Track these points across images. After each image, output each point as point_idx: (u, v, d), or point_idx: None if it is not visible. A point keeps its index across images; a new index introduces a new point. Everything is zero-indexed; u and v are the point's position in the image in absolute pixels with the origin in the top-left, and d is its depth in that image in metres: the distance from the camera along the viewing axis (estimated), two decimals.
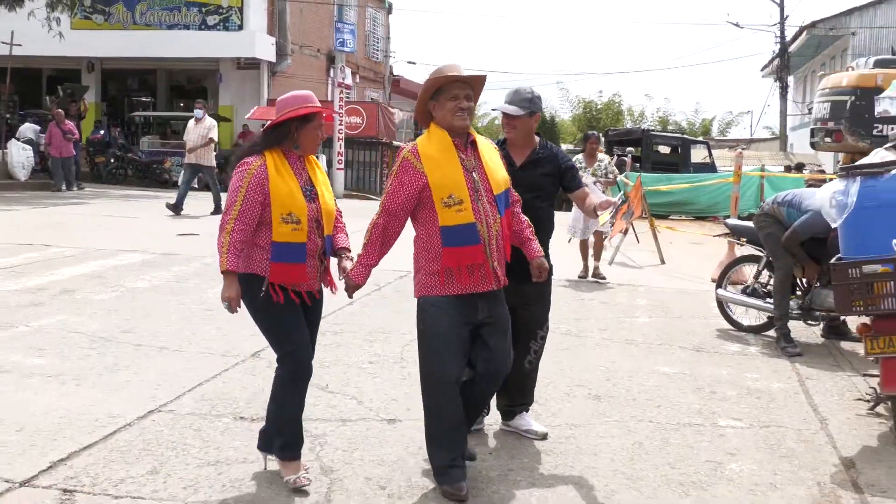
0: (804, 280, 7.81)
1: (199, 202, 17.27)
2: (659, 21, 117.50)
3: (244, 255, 4.13)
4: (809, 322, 7.93)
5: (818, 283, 7.67)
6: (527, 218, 4.59)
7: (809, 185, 12.86)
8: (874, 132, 13.32)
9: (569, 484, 4.52)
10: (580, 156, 11.27)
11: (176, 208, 16.30)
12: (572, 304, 9.40)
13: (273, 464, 4.44)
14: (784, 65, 35.22)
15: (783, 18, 34.14)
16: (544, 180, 5.08)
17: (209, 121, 16.73)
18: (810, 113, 34.69)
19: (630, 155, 22.24)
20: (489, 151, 4.32)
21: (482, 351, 4.27)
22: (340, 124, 25.68)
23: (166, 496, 4.18)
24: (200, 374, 6.09)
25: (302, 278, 4.17)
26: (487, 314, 4.24)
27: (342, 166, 25.93)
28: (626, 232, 12.79)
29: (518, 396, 5.22)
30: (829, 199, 5.37)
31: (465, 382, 4.33)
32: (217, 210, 16.18)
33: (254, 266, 4.15)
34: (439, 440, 4.28)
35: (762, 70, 44.26)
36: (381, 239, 4.26)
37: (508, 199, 4.33)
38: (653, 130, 30.70)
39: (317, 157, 4.46)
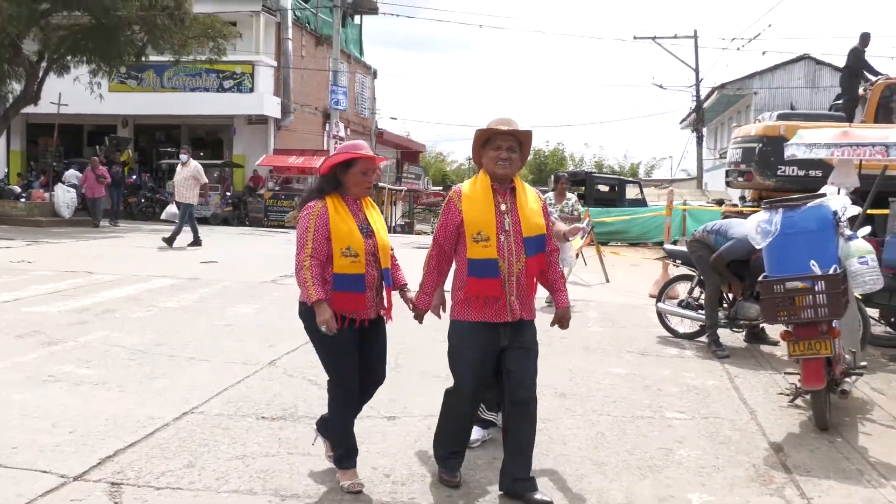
0: (730, 294, 7.77)
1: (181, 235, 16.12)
2: (597, 83, 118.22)
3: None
4: (734, 329, 7.91)
5: (741, 297, 7.65)
6: (563, 270, 4.34)
7: (726, 216, 12.92)
8: (778, 173, 13.44)
9: (545, 469, 4.41)
10: (550, 194, 10.89)
11: (195, 243, 15.73)
12: (539, 317, 9.27)
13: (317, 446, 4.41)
14: (699, 118, 35.49)
15: (698, 81, 34.44)
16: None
17: (193, 164, 16.02)
18: (722, 158, 35.04)
19: (577, 194, 22.30)
20: (529, 199, 4.07)
21: (506, 377, 4.03)
22: None
23: (201, 486, 4.03)
24: (225, 381, 5.92)
25: (360, 306, 3.96)
26: (510, 341, 3.99)
27: None
28: (577, 255, 12.73)
29: None
30: (755, 227, 5.32)
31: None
32: (195, 242, 15.67)
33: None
34: (444, 436, 4.19)
35: (681, 123, 44.57)
36: (437, 268, 4.14)
37: (542, 244, 4.04)
38: (594, 173, 30.92)
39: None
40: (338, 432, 4.13)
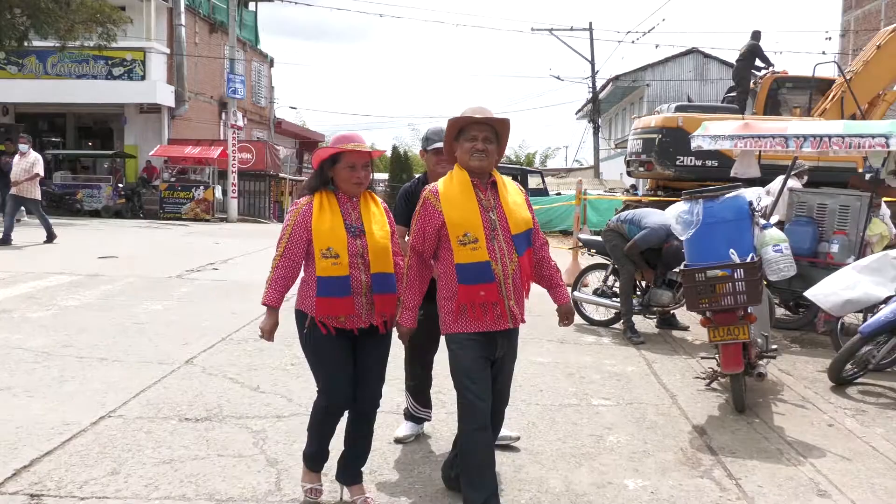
0: (643, 282, 7.99)
1: (32, 230, 15.43)
2: (495, 74, 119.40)
3: (299, 293, 3.71)
4: (648, 316, 8.14)
5: (654, 285, 7.87)
6: (556, 262, 4.02)
7: (626, 205, 13.28)
8: (677, 163, 13.90)
9: None
10: None
11: (4, 242, 13.86)
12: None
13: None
14: (595, 109, 36.33)
15: (594, 73, 35.21)
16: None
17: (33, 155, 14.50)
18: (618, 148, 36.06)
19: None
20: (511, 192, 3.72)
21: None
22: (234, 159, 24.93)
23: (129, 494, 3.85)
24: (142, 382, 5.67)
25: (347, 311, 3.58)
26: (504, 351, 3.70)
27: (236, 195, 25.15)
28: None
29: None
30: (676, 217, 5.47)
31: None
32: (49, 238, 14.38)
33: (303, 303, 3.68)
34: (471, 479, 3.61)
35: (577, 113, 45.68)
36: (418, 278, 3.71)
37: (530, 239, 3.73)
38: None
39: (374, 196, 3.81)
40: (310, 430, 3.86)
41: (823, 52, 31.99)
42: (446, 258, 3.63)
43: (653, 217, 7.54)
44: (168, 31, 26.96)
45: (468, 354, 3.60)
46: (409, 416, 4.81)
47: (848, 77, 13.25)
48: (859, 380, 6.25)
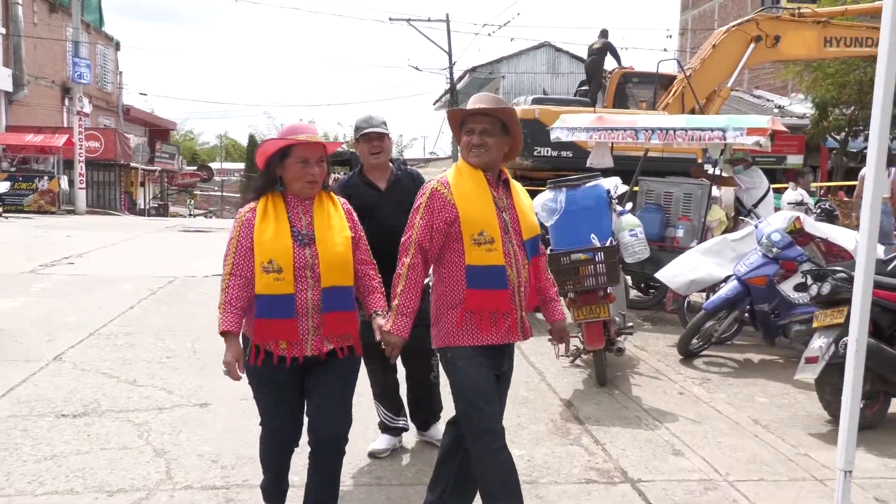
0: None
1: None
2: (353, 63, 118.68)
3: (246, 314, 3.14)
4: None
5: None
6: (552, 276, 3.67)
7: None
8: (534, 153, 14.50)
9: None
10: None
11: None
12: None
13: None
14: (454, 100, 36.97)
15: (451, 64, 35.85)
16: (410, 199, 3.77)
17: None
18: None
19: (343, 173, 22.37)
20: (521, 194, 3.39)
21: None
22: (81, 148, 23.74)
23: (13, 492, 3.81)
24: (9, 380, 5.49)
25: (289, 336, 3.06)
26: (508, 366, 3.38)
27: (84, 186, 23.97)
28: None
29: (429, 409, 4.57)
30: (541, 206, 5.83)
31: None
32: None
33: (247, 325, 3.14)
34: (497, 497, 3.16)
35: (434, 104, 46.27)
36: (420, 280, 3.22)
37: (537, 246, 3.38)
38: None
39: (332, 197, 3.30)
40: (261, 461, 3.42)
41: (665, 50, 33.97)
42: (453, 260, 3.21)
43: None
44: (3, 10, 25.26)
45: (479, 372, 3.17)
46: (384, 427, 4.49)
47: (687, 74, 14.23)
48: (704, 352, 6.87)
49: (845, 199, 17.03)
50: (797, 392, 5.85)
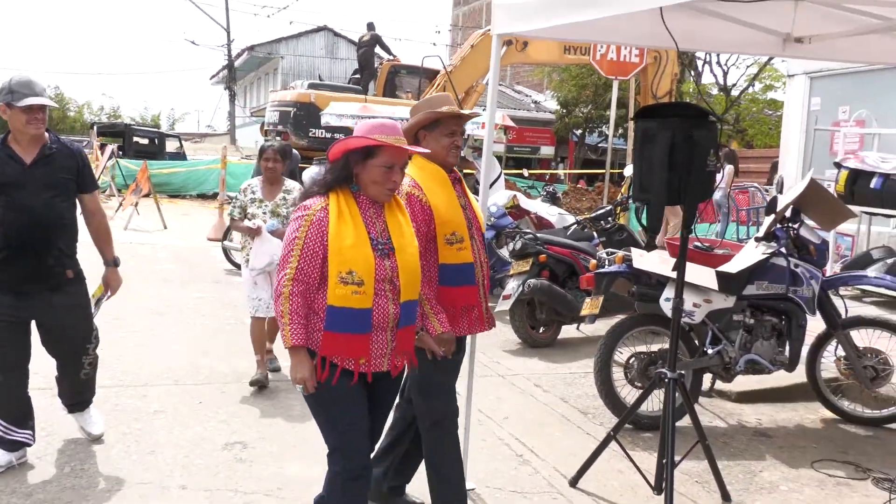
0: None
1: None
2: (127, 34, 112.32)
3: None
4: None
5: None
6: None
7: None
8: (310, 134, 15.94)
9: (165, 367, 5.85)
10: (255, 181, 5.65)
11: None
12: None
13: None
14: (231, 77, 37.22)
15: (230, 41, 36.06)
16: (62, 178, 3.92)
17: None
18: (254, 116, 37.34)
19: (116, 146, 22.31)
20: (468, 190, 3.54)
21: None
22: None
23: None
24: None
25: (361, 353, 2.81)
26: (463, 353, 3.53)
27: None
28: (136, 205, 13.64)
29: (78, 396, 4.34)
30: (310, 179, 7.21)
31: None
32: None
33: (308, 337, 2.81)
34: (446, 476, 3.41)
35: (211, 79, 46.01)
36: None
37: (485, 240, 3.54)
38: (133, 125, 30.80)
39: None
40: None
41: (434, 44, 36.33)
42: (426, 258, 3.24)
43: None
44: None
45: (440, 363, 3.26)
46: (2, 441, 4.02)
47: (449, 70, 16.17)
48: None
49: (587, 187, 20.06)
50: (499, 322, 7.71)
